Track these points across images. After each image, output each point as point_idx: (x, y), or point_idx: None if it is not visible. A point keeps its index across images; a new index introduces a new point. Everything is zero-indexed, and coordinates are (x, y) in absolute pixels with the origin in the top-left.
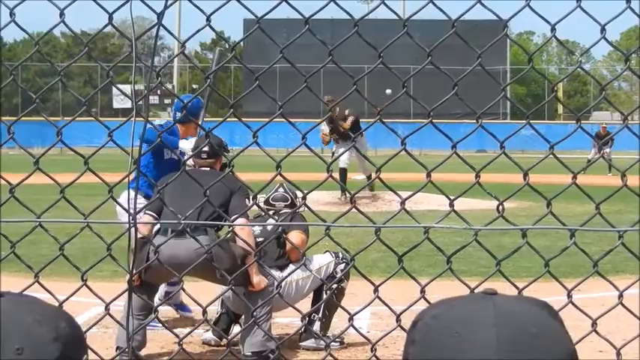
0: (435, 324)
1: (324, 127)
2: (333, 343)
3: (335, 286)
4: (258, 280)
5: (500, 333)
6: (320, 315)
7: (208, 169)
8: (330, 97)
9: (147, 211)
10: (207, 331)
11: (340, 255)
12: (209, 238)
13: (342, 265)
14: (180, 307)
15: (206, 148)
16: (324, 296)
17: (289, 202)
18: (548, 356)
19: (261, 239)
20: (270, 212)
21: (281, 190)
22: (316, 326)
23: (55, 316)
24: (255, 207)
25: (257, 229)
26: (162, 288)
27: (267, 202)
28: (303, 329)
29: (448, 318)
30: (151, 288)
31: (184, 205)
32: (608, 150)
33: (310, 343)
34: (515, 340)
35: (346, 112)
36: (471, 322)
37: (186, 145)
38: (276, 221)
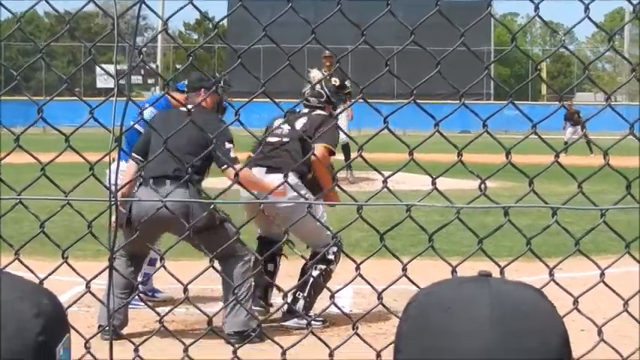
0: (428, 300)
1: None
2: (315, 322)
3: (324, 267)
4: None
5: (493, 310)
6: (305, 294)
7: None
8: (329, 53)
9: (133, 153)
10: (188, 309)
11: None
12: (189, 192)
13: (335, 248)
14: (153, 292)
15: (185, 82)
16: (310, 279)
17: (324, 99)
18: (540, 335)
19: (287, 139)
20: (303, 112)
21: (317, 86)
22: (299, 305)
23: (37, 292)
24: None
25: (286, 128)
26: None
27: (302, 96)
28: (286, 309)
29: (441, 295)
30: (136, 262)
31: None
32: (580, 130)
33: (292, 322)
34: (508, 317)
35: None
36: (464, 298)
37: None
38: (308, 121)
